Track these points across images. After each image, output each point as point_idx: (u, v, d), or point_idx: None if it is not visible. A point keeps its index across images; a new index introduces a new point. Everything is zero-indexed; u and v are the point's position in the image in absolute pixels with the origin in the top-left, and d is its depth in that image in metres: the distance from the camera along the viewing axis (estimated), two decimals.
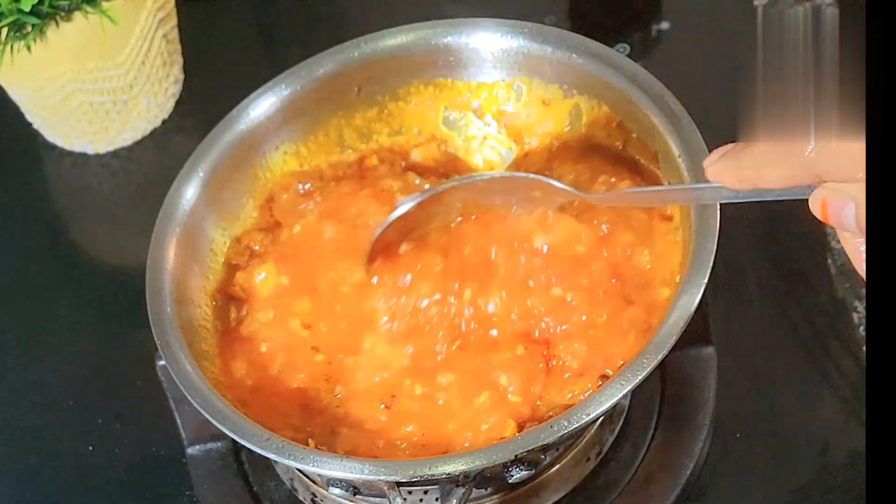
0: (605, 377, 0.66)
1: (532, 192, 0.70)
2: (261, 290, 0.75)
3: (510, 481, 0.64)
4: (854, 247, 0.52)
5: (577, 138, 0.79)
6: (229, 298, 0.77)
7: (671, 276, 0.69)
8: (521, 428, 0.66)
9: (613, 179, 0.75)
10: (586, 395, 0.66)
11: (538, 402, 0.68)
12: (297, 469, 0.74)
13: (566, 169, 0.77)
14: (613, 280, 0.70)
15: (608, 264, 0.70)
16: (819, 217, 0.51)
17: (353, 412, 0.70)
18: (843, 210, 0.49)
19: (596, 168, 0.76)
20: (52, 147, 1.03)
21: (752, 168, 0.52)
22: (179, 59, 1.04)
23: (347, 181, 0.80)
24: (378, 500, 0.71)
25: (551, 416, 0.65)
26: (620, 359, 0.67)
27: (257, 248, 0.78)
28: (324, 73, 0.81)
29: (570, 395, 0.67)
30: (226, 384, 0.71)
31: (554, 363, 0.69)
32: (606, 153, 0.77)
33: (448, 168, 0.82)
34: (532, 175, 0.72)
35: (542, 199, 0.71)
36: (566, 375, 0.68)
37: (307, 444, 0.67)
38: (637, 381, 0.61)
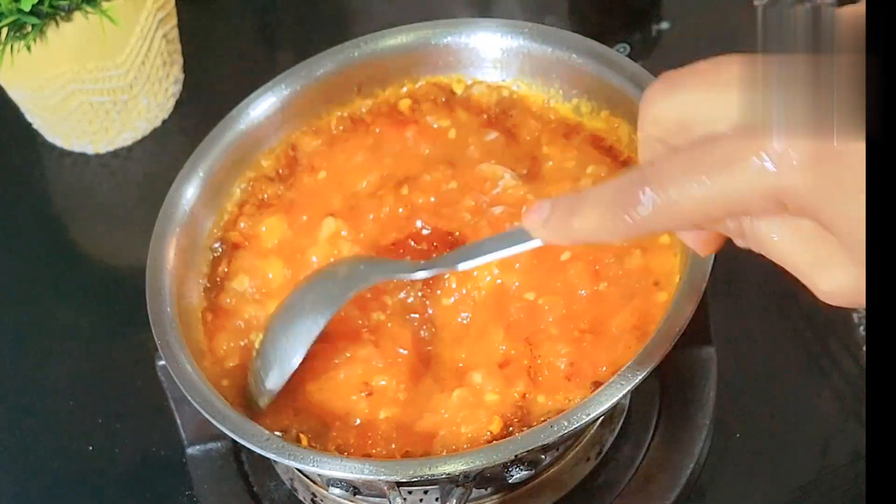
0: (597, 384, 0.65)
1: None
2: (265, 240, 0.76)
3: (510, 481, 0.64)
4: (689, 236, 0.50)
5: (576, 125, 0.79)
6: (224, 247, 0.76)
7: (668, 279, 0.69)
8: (507, 425, 0.66)
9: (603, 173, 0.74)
10: (574, 401, 0.65)
11: (520, 404, 0.67)
12: (297, 469, 0.74)
13: (555, 150, 0.77)
14: (603, 284, 0.69)
15: (589, 268, 0.69)
16: None
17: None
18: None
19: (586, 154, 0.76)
20: (52, 147, 1.03)
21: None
22: (179, 59, 1.04)
23: (382, 118, 0.80)
24: (378, 500, 0.71)
25: (543, 421, 0.65)
26: (608, 365, 0.66)
27: (266, 196, 0.78)
28: (324, 73, 0.81)
29: (565, 400, 0.66)
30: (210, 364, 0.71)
31: (540, 362, 0.68)
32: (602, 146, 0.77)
33: (505, 106, 0.80)
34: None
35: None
36: (544, 380, 0.67)
37: (298, 438, 0.67)
38: (637, 381, 0.61)
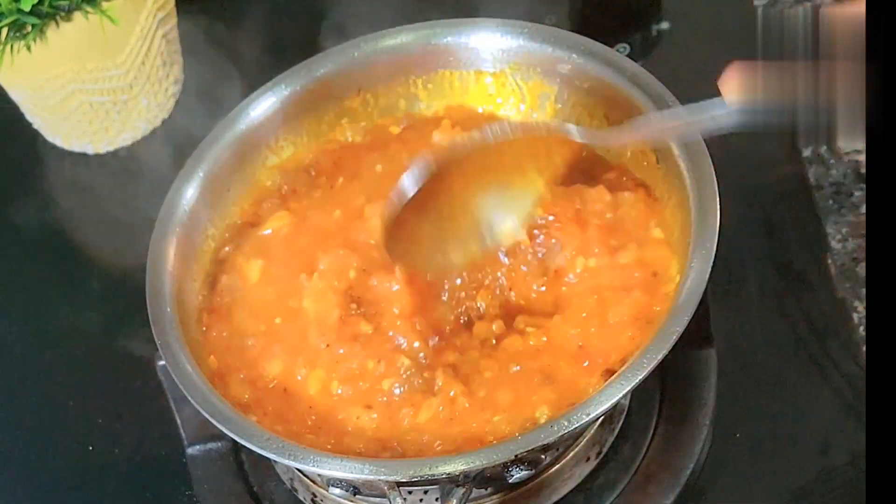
0: (609, 371, 0.66)
1: (542, 146, 0.69)
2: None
3: (510, 481, 0.64)
4: None
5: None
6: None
7: (665, 271, 0.69)
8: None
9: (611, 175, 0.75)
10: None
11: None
12: (297, 469, 0.74)
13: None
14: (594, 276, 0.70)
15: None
16: None
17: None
18: None
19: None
20: (52, 147, 1.03)
21: None
22: (179, 59, 1.04)
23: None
24: (378, 500, 0.71)
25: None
26: (616, 353, 0.67)
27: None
28: (324, 73, 0.81)
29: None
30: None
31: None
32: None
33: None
34: (550, 123, 0.72)
35: (555, 149, 0.70)
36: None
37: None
38: (638, 380, 0.61)
